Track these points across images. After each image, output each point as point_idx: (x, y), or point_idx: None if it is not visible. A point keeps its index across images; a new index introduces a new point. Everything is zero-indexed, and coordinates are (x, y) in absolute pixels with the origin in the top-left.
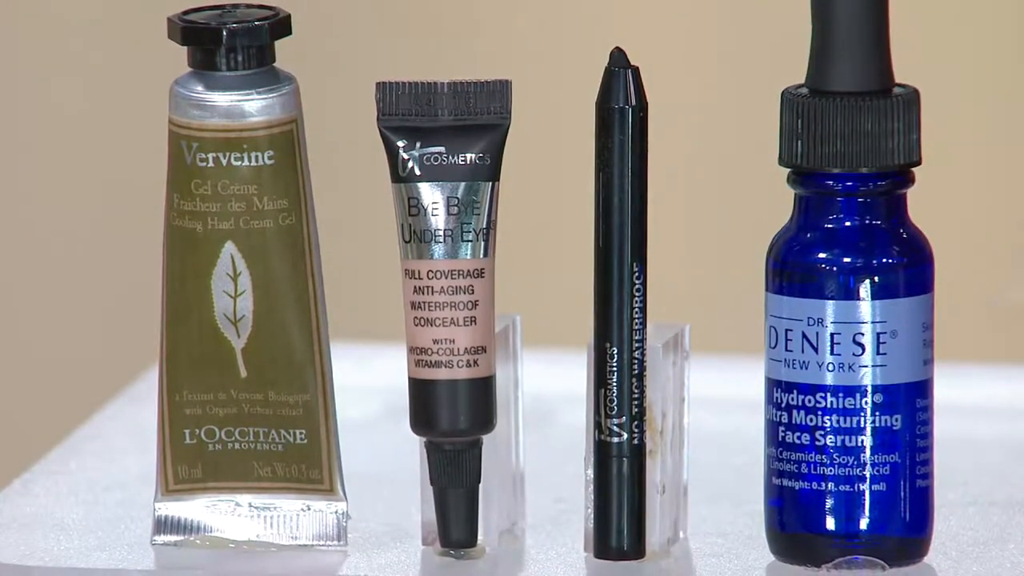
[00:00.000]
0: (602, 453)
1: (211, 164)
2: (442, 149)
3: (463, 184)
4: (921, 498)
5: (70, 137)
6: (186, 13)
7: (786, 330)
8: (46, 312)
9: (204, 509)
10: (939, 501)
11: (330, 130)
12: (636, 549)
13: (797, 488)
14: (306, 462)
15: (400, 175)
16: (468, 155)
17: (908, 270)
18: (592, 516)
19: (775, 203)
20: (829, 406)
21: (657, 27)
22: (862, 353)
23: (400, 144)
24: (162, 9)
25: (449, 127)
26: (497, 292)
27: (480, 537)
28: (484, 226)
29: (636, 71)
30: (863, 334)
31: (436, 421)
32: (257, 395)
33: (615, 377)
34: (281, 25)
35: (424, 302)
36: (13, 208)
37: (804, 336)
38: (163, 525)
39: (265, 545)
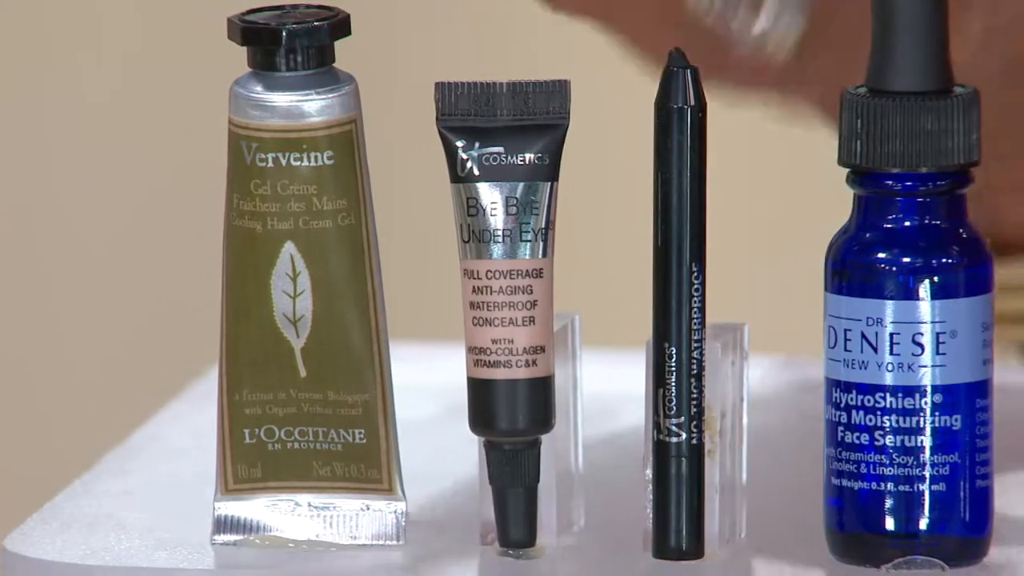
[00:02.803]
0: (661, 453)
1: (271, 164)
2: (501, 149)
3: (522, 184)
4: (981, 498)
5: (133, 138)
6: (246, 14)
7: (845, 330)
8: (108, 313)
9: (264, 509)
10: (999, 501)
11: (389, 130)
12: (695, 549)
13: (856, 488)
14: (365, 462)
15: (459, 175)
16: (527, 155)
17: (968, 270)
18: (651, 516)
19: (834, 203)
20: (888, 406)
21: None
22: (921, 353)
23: (459, 144)
24: (223, 9)
25: (508, 127)
26: (556, 292)
27: (539, 537)
28: (543, 226)
29: (695, 71)
30: (922, 334)
31: (495, 421)
32: (316, 395)
33: (674, 377)
34: (341, 25)
35: (483, 302)
36: (74, 210)
37: (863, 336)
38: (223, 525)
39: (324, 545)
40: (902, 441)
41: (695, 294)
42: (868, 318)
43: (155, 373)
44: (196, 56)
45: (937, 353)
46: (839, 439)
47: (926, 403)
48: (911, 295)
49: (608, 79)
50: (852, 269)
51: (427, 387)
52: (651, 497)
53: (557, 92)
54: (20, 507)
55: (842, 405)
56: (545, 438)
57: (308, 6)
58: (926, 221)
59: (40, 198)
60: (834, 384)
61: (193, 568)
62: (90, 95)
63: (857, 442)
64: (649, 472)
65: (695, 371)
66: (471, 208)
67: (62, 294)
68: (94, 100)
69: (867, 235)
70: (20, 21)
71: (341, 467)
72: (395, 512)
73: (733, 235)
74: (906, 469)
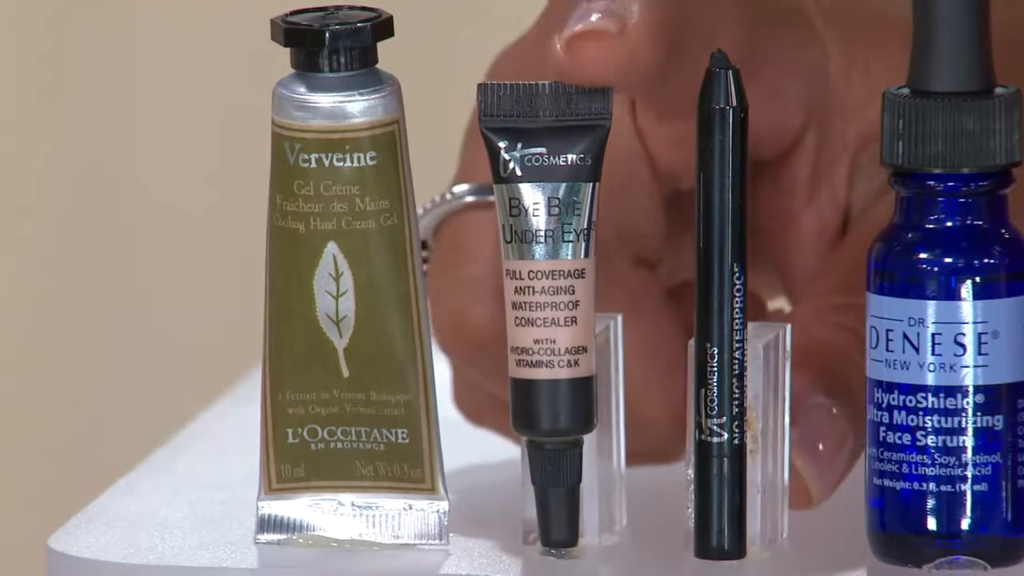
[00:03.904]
0: (703, 453)
1: (313, 165)
2: (543, 150)
3: (564, 185)
4: (1023, 498)
5: (176, 138)
6: (289, 15)
7: (887, 330)
8: (152, 314)
9: (307, 508)
10: None
11: (432, 131)
12: (737, 549)
13: (898, 488)
14: (408, 461)
15: (502, 176)
16: (569, 156)
17: (1010, 270)
18: (693, 515)
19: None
20: (930, 406)
21: None
22: (963, 353)
23: (502, 145)
24: (266, 11)
25: (550, 128)
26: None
27: (581, 537)
28: (585, 226)
29: (736, 72)
30: (964, 334)
31: (537, 421)
32: (359, 395)
33: (716, 377)
34: (383, 27)
35: (525, 302)
36: (118, 211)
37: (905, 336)
38: (266, 524)
39: (367, 544)
40: (944, 441)
41: (737, 294)
42: (910, 318)
43: (200, 373)
44: (241, 57)
45: (979, 353)
46: (881, 439)
47: (968, 403)
48: (953, 295)
49: None
50: (894, 269)
51: None
52: (693, 497)
53: (599, 93)
54: (65, 506)
55: (884, 405)
56: (587, 438)
57: (351, 7)
58: (968, 221)
59: (88, 198)
60: (876, 384)
61: (236, 567)
62: (135, 97)
63: (899, 442)
64: (691, 472)
65: (737, 371)
66: (513, 209)
67: (106, 296)
68: (138, 102)
69: (909, 235)
70: (43, 26)
71: (384, 467)
72: (437, 512)
73: None
74: (948, 469)
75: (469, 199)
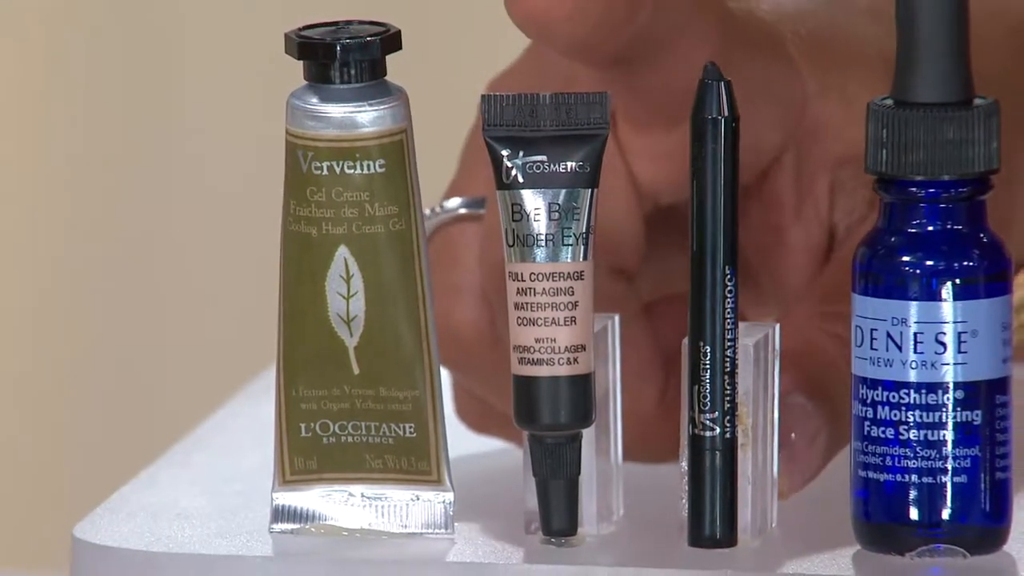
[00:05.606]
0: (696, 446)
1: (325, 172)
2: (544, 157)
3: (564, 191)
4: (1000, 489)
5: (193, 145)
6: (302, 29)
7: (871, 329)
8: (173, 316)
9: (319, 499)
10: (1018, 492)
11: (438, 139)
12: (729, 538)
13: (882, 480)
14: (415, 454)
15: (504, 182)
16: (569, 163)
17: (988, 272)
18: (686, 506)
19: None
20: (912, 402)
21: None
22: (944, 351)
23: (504, 153)
24: (280, 26)
25: (551, 137)
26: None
27: (580, 526)
28: (584, 231)
29: (728, 84)
30: (945, 333)
31: (538, 416)
32: (369, 391)
33: (708, 374)
34: (392, 40)
35: (527, 303)
36: (141, 215)
37: (888, 335)
38: (280, 514)
39: (377, 533)
40: (925, 435)
41: (728, 296)
42: (893, 318)
43: (216, 371)
44: (255, 70)
45: (959, 352)
46: (865, 433)
47: (948, 399)
48: (934, 296)
49: None
50: (878, 271)
51: None
52: (686, 488)
53: (597, 103)
54: (89, 497)
55: (868, 401)
56: (586, 432)
57: (361, 22)
58: (948, 226)
59: (113, 202)
60: (861, 381)
61: (252, 555)
62: (156, 107)
63: (882, 436)
64: (685, 465)
65: (728, 368)
66: (515, 214)
67: (130, 296)
68: (160, 111)
69: (892, 239)
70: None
71: (392, 459)
72: (443, 502)
73: None
74: (929, 462)
75: (461, 211)
